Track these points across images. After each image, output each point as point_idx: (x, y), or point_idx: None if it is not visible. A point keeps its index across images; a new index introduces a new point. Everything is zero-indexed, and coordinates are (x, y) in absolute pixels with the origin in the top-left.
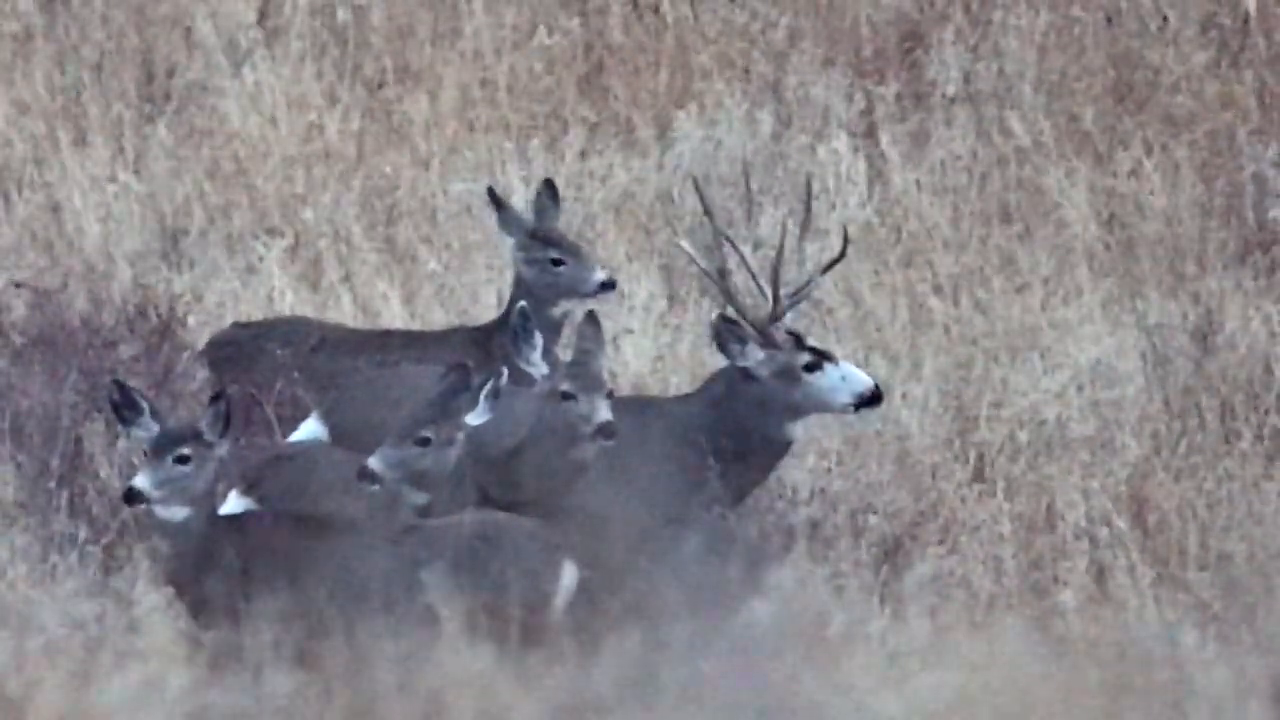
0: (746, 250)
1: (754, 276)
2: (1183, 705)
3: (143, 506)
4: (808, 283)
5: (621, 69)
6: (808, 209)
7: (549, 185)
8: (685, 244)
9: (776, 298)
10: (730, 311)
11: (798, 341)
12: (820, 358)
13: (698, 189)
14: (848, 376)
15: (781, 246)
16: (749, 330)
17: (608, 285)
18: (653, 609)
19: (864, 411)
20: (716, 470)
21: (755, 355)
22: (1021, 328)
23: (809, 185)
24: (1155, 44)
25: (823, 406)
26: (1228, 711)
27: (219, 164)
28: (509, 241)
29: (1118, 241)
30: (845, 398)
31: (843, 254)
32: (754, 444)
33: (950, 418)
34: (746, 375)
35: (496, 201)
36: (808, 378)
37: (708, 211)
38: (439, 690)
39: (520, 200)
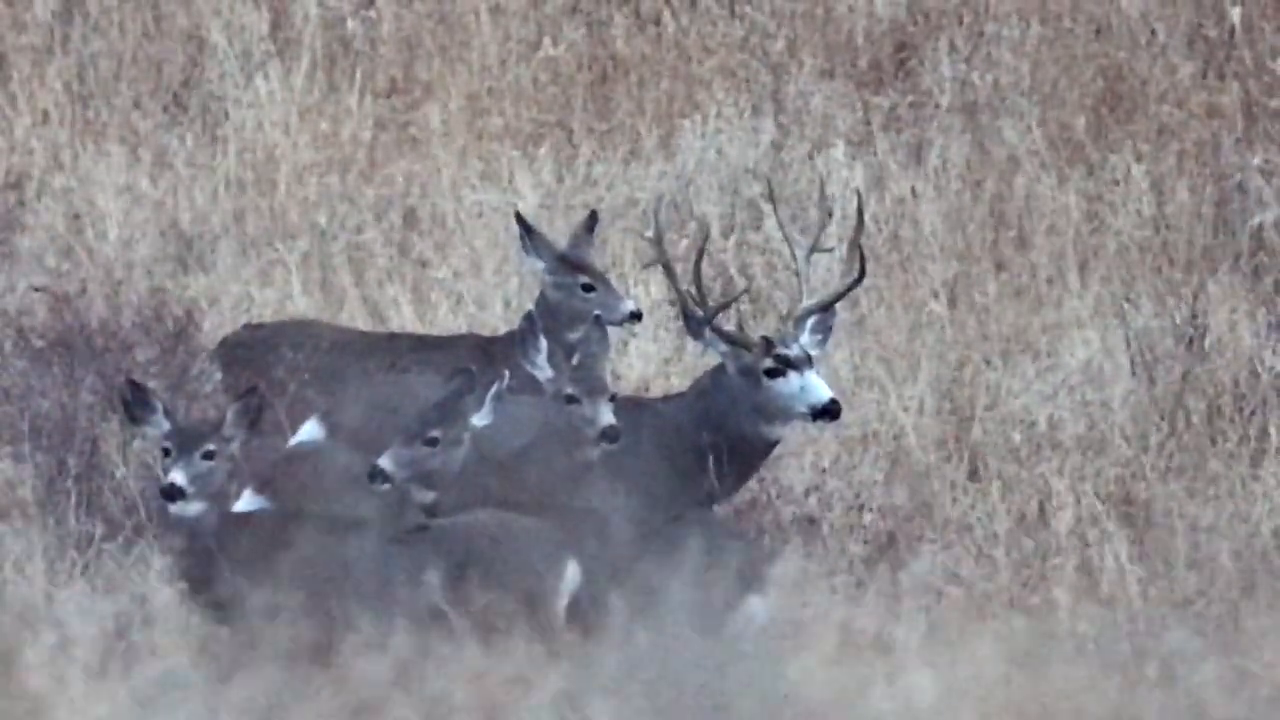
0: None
1: (744, 299)
2: (1170, 701)
3: (177, 503)
4: (832, 301)
5: (625, 80)
6: (825, 218)
7: (592, 216)
8: (649, 234)
9: (702, 299)
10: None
11: (768, 346)
12: (784, 365)
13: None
14: (806, 387)
15: (702, 249)
16: (709, 313)
17: (635, 315)
18: (653, 606)
19: (821, 422)
20: (705, 467)
21: (719, 344)
22: (1014, 331)
23: (823, 193)
24: (1143, 56)
25: (781, 412)
26: (1214, 707)
27: (234, 172)
28: (538, 265)
29: (1107, 247)
30: (801, 407)
31: (860, 277)
32: (734, 441)
33: (945, 418)
34: (725, 372)
35: (524, 226)
36: (768, 382)
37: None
38: (444, 687)
39: (527, 207)
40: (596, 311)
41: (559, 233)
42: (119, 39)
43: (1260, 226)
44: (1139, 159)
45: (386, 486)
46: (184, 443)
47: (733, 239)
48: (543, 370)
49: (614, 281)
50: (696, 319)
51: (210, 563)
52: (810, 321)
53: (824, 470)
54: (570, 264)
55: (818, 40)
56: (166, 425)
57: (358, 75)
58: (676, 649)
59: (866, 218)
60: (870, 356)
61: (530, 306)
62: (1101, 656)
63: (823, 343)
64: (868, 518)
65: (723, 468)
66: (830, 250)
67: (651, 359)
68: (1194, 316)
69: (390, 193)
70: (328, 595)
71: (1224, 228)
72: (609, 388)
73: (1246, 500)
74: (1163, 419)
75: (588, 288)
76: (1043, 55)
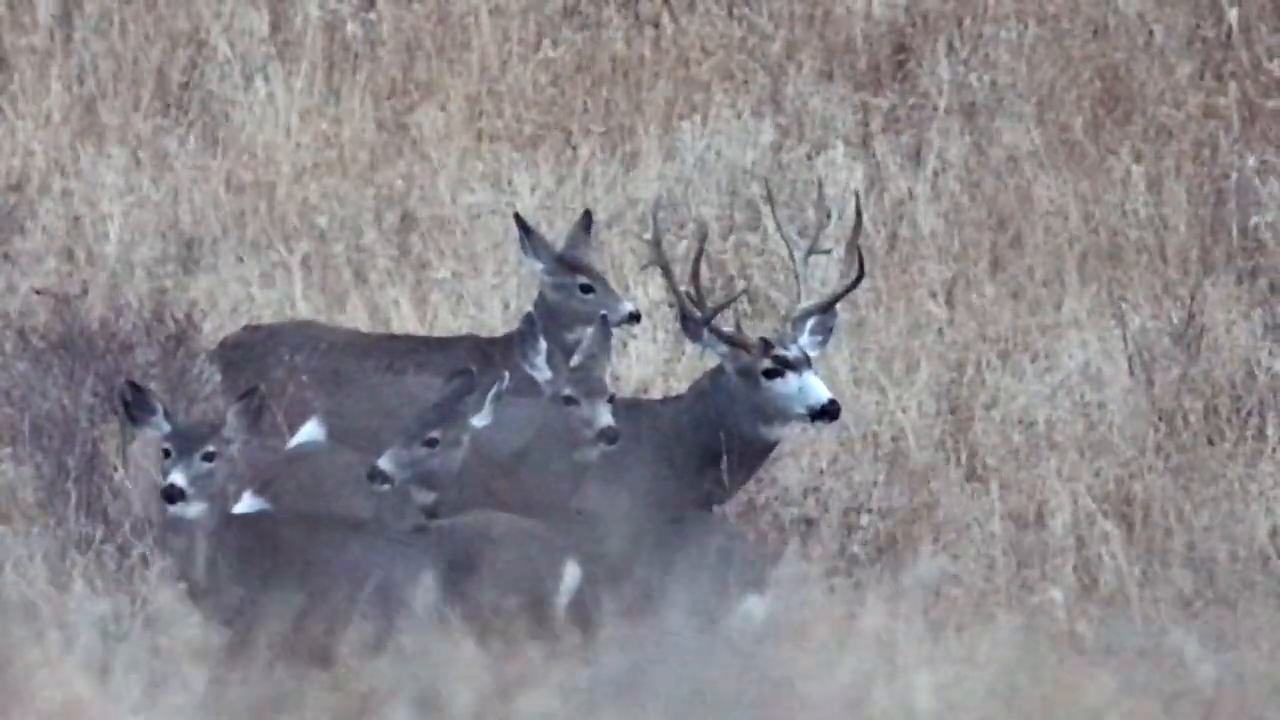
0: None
1: (743, 300)
2: (1169, 700)
3: (178, 504)
4: (831, 302)
5: (624, 81)
6: (823, 220)
7: (587, 215)
8: (647, 235)
9: (700, 301)
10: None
11: (766, 347)
12: (783, 366)
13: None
14: (804, 388)
15: (700, 250)
16: (707, 314)
17: (634, 316)
18: (652, 607)
19: (820, 423)
20: (705, 468)
21: (717, 345)
22: (1013, 331)
23: (821, 194)
24: (1141, 56)
25: (779, 413)
26: (1212, 706)
27: (234, 173)
28: (536, 266)
29: (1105, 248)
30: (799, 408)
31: (859, 278)
32: (733, 443)
33: (943, 419)
34: (723, 373)
35: (523, 226)
36: (766, 383)
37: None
38: (444, 687)
39: (526, 208)
40: (603, 312)
41: (558, 234)
42: (120, 41)
43: (1257, 227)
44: (1137, 159)
45: (386, 487)
46: (184, 444)
47: (731, 240)
48: (541, 371)
49: (613, 283)
50: (694, 321)
51: (210, 564)
52: (810, 322)
53: (822, 471)
54: (569, 265)
55: (816, 42)
56: (167, 426)
57: (358, 77)
58: (676, 649)
59: (865, 219)
60: (869, 357)
61: (529, 308)
62: (1100, 656)
63: (823, 344)
64: (866, 518)
65: (722, 469)
66: (828, 252)
67: (651, 360)
68: (1191, 317)
69: (390, 194)
70: (328, 596)
71: (1221, 228)
72: (608, 389)
73: (1244, 500)
74: (1160, 419)
75: (586, 288)
76: (1040, 56)
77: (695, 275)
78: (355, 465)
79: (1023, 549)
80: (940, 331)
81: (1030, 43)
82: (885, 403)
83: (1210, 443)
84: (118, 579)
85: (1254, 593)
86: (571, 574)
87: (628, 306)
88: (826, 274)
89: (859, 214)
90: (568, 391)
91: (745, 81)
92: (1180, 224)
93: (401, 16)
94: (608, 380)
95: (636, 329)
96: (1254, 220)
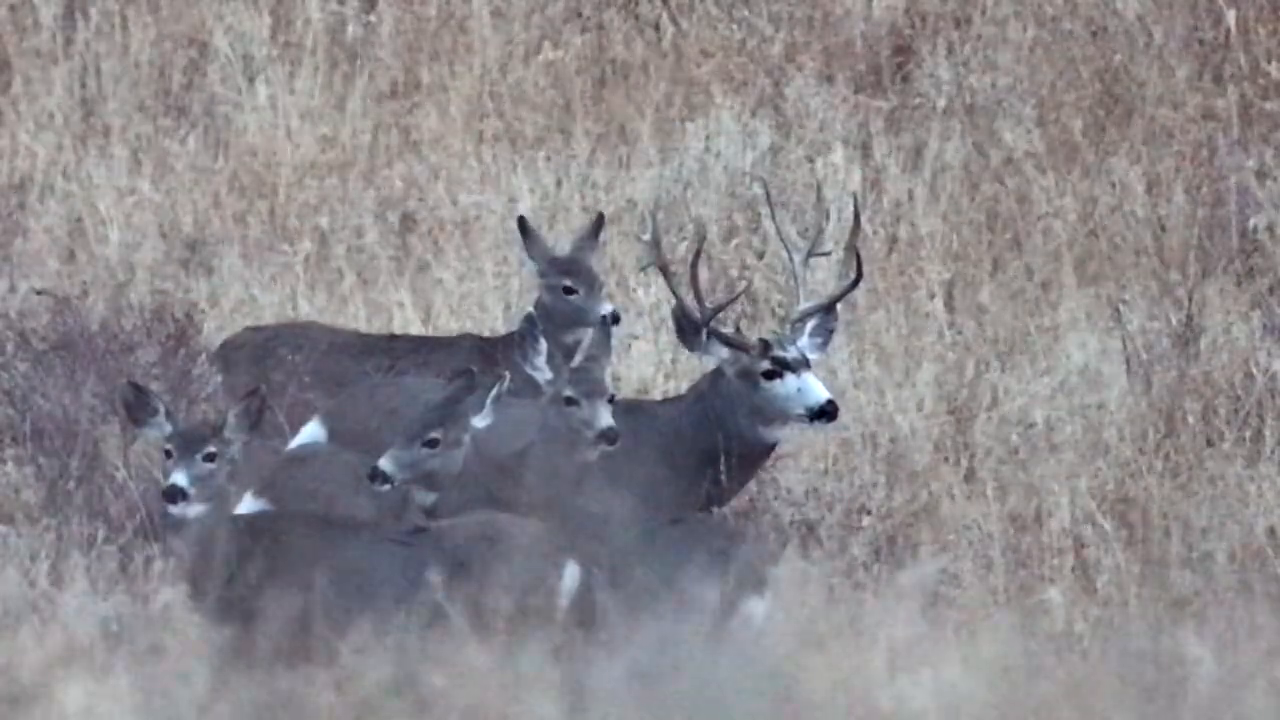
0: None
1: (743, 302)
2: (1167, 700)
3: (179, 504)
4: (830, 303)
5: (624, 83)
6: (822, 221)
7: (600, 219)
8: (646, 237)
9: (699, 302)
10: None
11: (765, 348)
12: (781, 367)
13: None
14: (803, 388)
15: (699, 252)
16: (706, 315)
17: (611, 319)
18: (653, 607)
19: (819, 424)
20: (704, 469)
21: (718, 350)
22: (1012, 332)
23: (820, 196)
24: (1140, 58)
25: (778, 414)
26: (1210, 705)
27: (236, 175)
28: (534, 267)
29: (1104, 249)
30: (798, 409)
31: (857, 280)
32: (733, 444)
33: (942, 420)
34: (722, 374)
35: (524, 229)
36: (765, 384)
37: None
38: (444, 688)
39: (526, 208)
40: (602, 313)
41: (558, 235)
42: (122, 43)
43: (1255, 229)
44: (1135, 161)
45: (386, 488)
46: (185, 444)
47: (732, 242)
48: (542, 372)
49: (611, 284)
50: (690, 327)
51: (211, 564)
52: (810, 324)
53: (823, 472)
54: (559, 267)
55: (816, 44)
56: (168, 427)
57: (359, 79)
58: (676, 649)
59: (864, 220)
60: (868, 358)
61: (530, 308)
62: (1098, 656)
63: (823, 345)
64: (866, 519)
65: (721, 470)
66: (828, 253)
67: (651, 361)
68: (1189, 318)
69: (391, 195)
70: (328, 596)
71: (1219, 230)
72: (608, 390)
73: (1242, 500)
74: (1159, 420)
75: (569, 290)
76: (1040, 58)
77: (694, 277)
78: (356, 466)
79: (1022, 549)
80: (940, 332)
81: (1030, 44)
82: (885, 403)
83: (1209, 443)
84: (119, 579)
85: (1253, 593)
86: (571, 574)
87: (605, 308)
88: (826, 275)
89: (858, 215)
90: (568, 392)
91: (745, 83)
92: (1179, 225)
93: (402, 18)
94: (608, 381)
95: (638, 329)
96: (1252, 222)
